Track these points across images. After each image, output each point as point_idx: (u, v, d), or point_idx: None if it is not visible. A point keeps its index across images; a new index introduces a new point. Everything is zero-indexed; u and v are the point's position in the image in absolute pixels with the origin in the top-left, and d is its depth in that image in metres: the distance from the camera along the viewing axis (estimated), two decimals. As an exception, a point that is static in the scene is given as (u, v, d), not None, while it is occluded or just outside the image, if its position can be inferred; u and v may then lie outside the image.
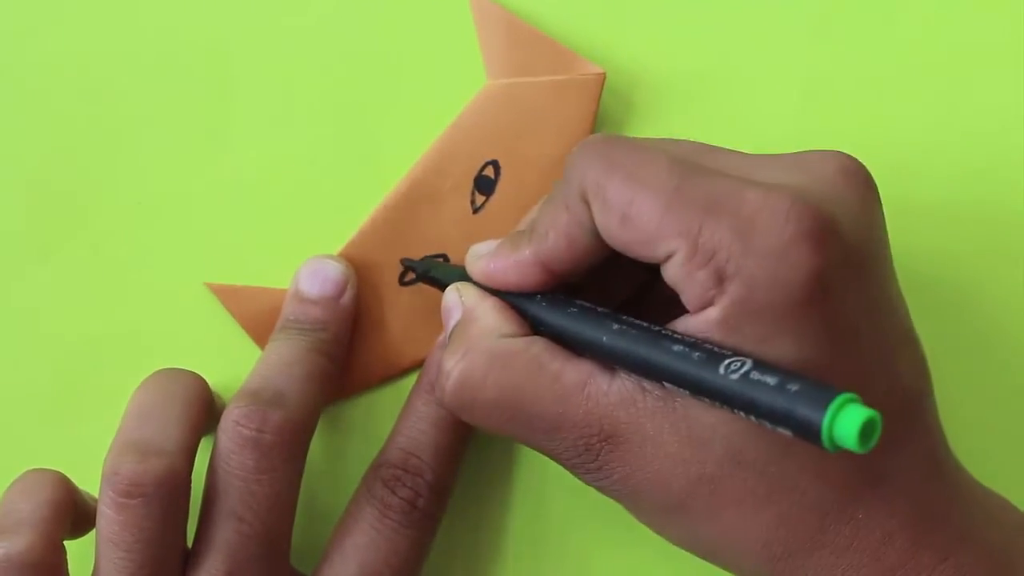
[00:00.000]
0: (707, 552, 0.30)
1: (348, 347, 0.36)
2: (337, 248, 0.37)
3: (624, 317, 0.30)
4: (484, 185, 0.37)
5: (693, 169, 0.29)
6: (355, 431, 0.38)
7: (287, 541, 0.34)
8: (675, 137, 0.32)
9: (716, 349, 0.27)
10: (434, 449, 0.35)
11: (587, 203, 0.30)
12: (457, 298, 0.33)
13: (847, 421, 0.24)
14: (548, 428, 0.30)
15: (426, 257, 0.37)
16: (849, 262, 0.28)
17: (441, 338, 0.36)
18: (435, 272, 0.36)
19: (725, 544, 0.29)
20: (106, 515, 0.32)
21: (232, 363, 0.37)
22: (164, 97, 0.38)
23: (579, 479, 0.31)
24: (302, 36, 0.38)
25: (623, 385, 0.29)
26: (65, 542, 0.33)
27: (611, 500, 0.31)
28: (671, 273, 0.28)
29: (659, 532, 0.31)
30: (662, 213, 0.28)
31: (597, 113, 0.36)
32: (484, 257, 0.33)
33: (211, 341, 0.37)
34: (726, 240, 0.27)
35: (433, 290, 0.37)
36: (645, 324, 0.29)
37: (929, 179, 0.37)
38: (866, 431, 0.24)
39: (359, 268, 0.37)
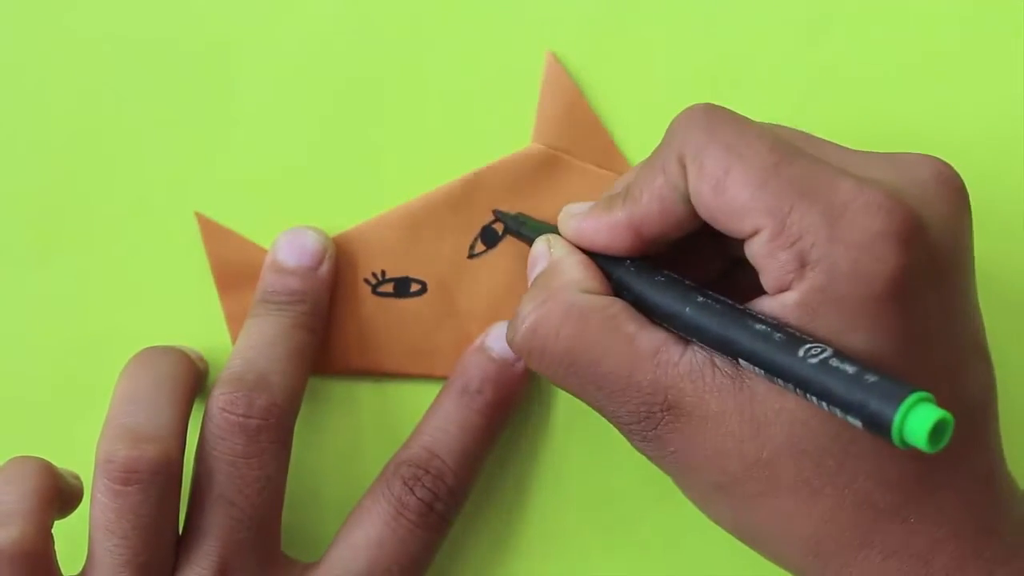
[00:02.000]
0: (750, 538, 0.30)
1: (327, 318, 0.37)
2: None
3: (708, 292, 0.30)
4: (489, 237, 0.37)
5: (793, 151, 0.29)
6: (365, 422, 0.38)
7: (277, 523, 0.34)
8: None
9: (797, 333, 0.27)
10: (458, 453, 0.35)
11: (683, 167, 0.29)
12: (546, 248, 0.33)
13: (919, 419, 0.25)
14: (613, 389, 0.30)
15: (520, 213, 0.37)
16: (932, 266, 0.28)
17: (478, 342, 0.36)
18: (525, 229, 0.36)
19: (771, 532, 0.29)
20: (101, 503, 0.32)
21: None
22: (166, 97, 0.38)
23: (633, 446, 0.31)
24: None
25: (694, 358, 0.29)
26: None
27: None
28: (754, 249, 0.28)
29: (705, 510, 0.31)
30: (756, 187, 0.28)
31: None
32: (577, 216, 0.32)
33: (210, 342, 0.37)
34: (814, 225, 0.27)
35: (400, 305, 0.37)
36: (728, 301, 0.29)
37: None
38: (937, 431, 0.25)
39: (343, 260, 0.37)
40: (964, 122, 0.38)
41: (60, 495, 0.33)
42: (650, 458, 0.31)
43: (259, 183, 0.38)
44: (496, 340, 0.36)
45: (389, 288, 0.37)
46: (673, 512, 0.37)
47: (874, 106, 0.38)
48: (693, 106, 0.30)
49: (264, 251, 0.37)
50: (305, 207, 0.38)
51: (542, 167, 0.37)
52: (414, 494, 0.34)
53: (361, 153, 0.38)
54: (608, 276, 0.32)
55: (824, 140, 0.31)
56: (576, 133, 0.37)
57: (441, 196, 0.37)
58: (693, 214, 0.30)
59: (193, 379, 0.35)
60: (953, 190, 0.30)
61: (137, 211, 0.38)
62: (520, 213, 0.37)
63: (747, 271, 0.29)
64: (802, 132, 0.31)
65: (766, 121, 0.31)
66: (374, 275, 0.37)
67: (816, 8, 0.38)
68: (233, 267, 0.37)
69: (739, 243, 0.29)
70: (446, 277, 0.37)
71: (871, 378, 0.26)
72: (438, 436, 0.35)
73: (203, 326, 0.37)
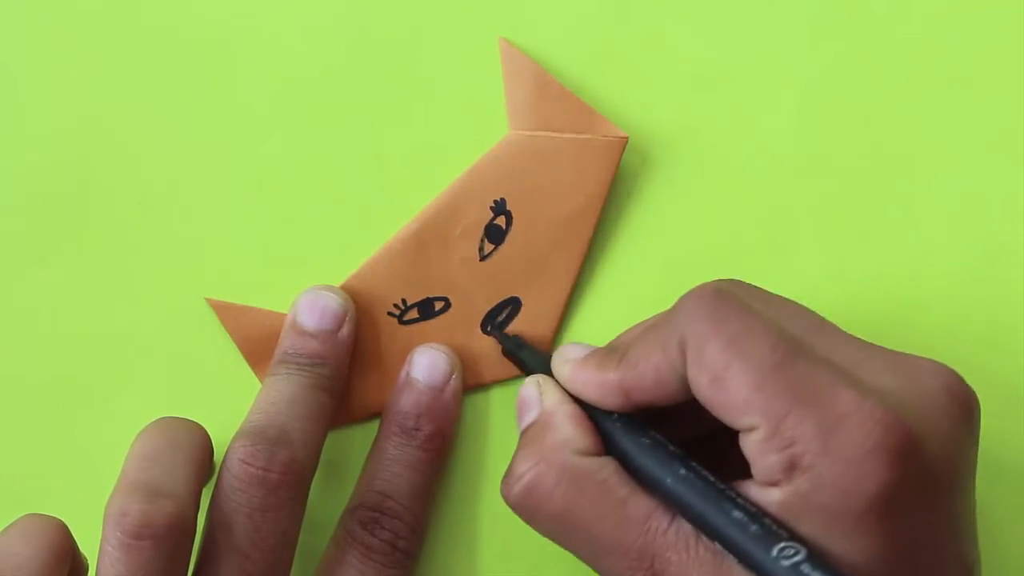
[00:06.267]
0: None
1: (346, 379, 0.36)
2: (340, 275, 0.37)
3: (693, 464, 0.30)
4: (494, 234, 0.37)
5: (797, 351, 0.28)
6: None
7: None
8: (777, 295, 0.32)
9: (774, 527, 0.27)
10: (409, 491, 0.35)
11: (684, 351, 0.30)
12: (536, 395, 0.33)
13: None
14: (602, 550, 0.30)
15: (517, 335, 0.37)
16: (924, 483, 0.28)
17: (403, 375, 0.36)
18: (523, 353, 0.36)
19: None
20: (112, 555, 0.31)
21: (229, 365, 0.37)
22: (167, 96, 0.38)
23: None
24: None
25: (681, 528, 0.29)
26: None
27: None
28: (747, 445, 0.28)
29: None
30: (753, 388, 0.28)
31: (615, 176, 0.37)
32: (571, 364, 0.33)
33: (210, 342, 0.37)
34: (807, 434, 0.27)
35: (430, 332, 0.37)
36: (711, 477, 0.29)
37: (929, 189, 0.37)
38: None
39: (362, 301, 0.37)
40: (965, 123, 0.37)
41: (72, 558, 0.32)
42: None
43: (258, 182, 0.38)
44: (420, 370, 0.36)
45: (415, 314, 0.37)
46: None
47: (874, 107, 0.38)
48: (703, 287, 0.30)
49: (282, 316, 0.37)
50: (304, 207, 0.38)
51: (526, 151, 0.37)
52: (376, 536, 0.34)
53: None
54: (597, 427, 0.32)
55: (837, 330, 0.30)
56: (549, 108, 0.37)
57: (437, 209, 0.37)
58: (688, 392, 0.30)
59: (208, 451, 0.35)
60: (960, 405, 0.29)
61: (137, 211, 0.38)
62: (517, 336, 0.37)
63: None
64: (816, 319, 0.31)
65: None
66: (396, 306, 0.37)
67: (816, 8, 0.38)
68: (257, 341, 0.37)
69: None
70: (465, 286, 0.37)
71: None
72: (386, 478, 0.35)
73: (203, 325, 0.37)
